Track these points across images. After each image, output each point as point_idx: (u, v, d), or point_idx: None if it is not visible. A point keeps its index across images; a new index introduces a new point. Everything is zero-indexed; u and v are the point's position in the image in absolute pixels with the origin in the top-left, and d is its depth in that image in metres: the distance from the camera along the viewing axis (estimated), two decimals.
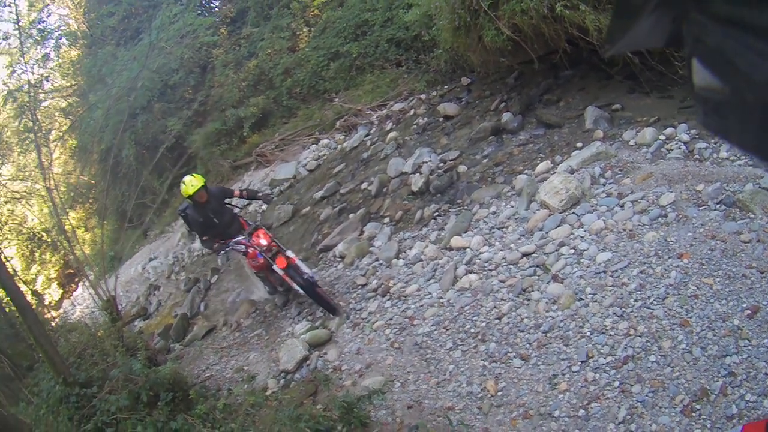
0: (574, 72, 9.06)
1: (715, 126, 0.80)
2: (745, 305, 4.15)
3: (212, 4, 21.58)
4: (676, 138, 6.62)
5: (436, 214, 7.90)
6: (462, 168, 8.59)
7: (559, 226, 6.09)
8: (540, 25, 7.68)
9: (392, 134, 11.11)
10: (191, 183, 7.52)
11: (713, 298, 4.32)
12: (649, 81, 7.67)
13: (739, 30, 0.67)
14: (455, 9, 8.57)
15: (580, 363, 4.40)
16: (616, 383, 4.09)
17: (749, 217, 4.99)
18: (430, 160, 9.19)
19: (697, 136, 6.53)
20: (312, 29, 16.57)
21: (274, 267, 7.44)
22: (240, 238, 7.75)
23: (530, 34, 8.00)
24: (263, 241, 7.64)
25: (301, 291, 7.32)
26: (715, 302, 4.29)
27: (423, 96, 12.02)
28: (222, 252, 8.17)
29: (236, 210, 8.69)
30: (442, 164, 8.99)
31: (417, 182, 8.70)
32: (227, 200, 8.25)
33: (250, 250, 7.76)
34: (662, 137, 6.72)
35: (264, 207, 8.86)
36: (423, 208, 8.22)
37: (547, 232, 6.09)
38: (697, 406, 3.63)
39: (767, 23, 0.64)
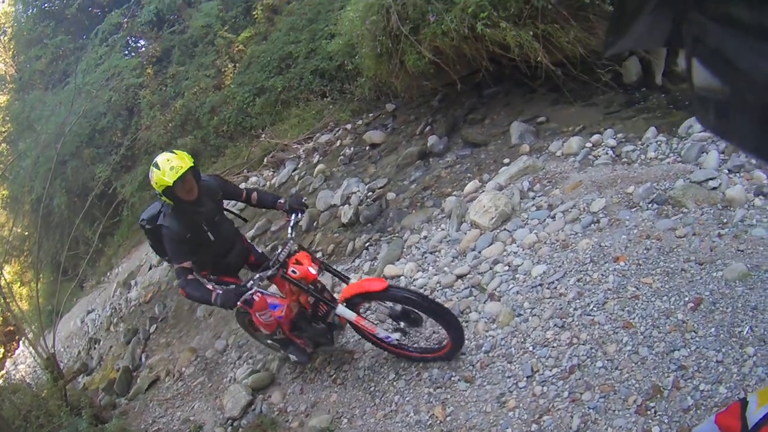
0: (497, 89, 9.16)
1: (715, 126, 0.80)
2: (687, 299, 4.17)
3: (138, 44, 21.32)
4: (602, 144, 6.71)
5: (368, 244, 7.76)
6: (391, 195, 8.50)
7: (491, 244, 6.02)
8: (461, 45, 7.69)
9: (320, 167, 10.99)
10: (170, 164, 4.43)
11: (654, 297, 4.32)
12: (573, 91, 7.81)
13: (739, 30, 0.67)
14: (376, 36, 8.58)
15: (525, 378, 4.31)
16: (566, 393, 4.02)
17: (683, 212, 5.08)
18: (359, 190, 9.08)
19: (623, 140, 6.66)
20: (237, 65, 16.53)
21: (341, 312, 4.86)
22: (267, 272, 4.80)
23: (452, 55, 8.03)
24: (312, 269, 4.84)
25: (392, 338, 4.89)
26: (656, 300, 4.29)
27: (348, 126, 11.98)
28: (239, 300, 4.60)
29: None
30: (370, 193, 8.90)
31: (347, 213, 8.54)
32: (227, 203, 5.32)
33: (257, 297, 5.12)
34: (589, 145, 6.80)
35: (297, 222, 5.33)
36: (354, 239, 8.06)
37: (480, 252, 6.01)
38: (652, 404, 3.59)
39: (767, 23, 0.64)
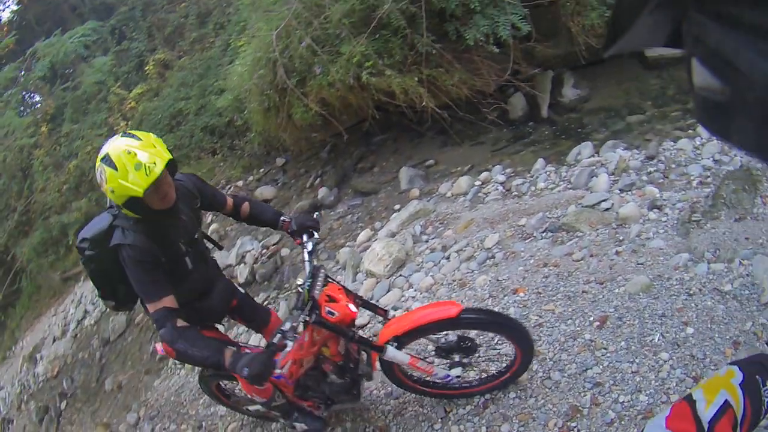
0: (385, 136, 9.34)
1: (714, 126, 0.81)
2: (592, 318, 4.21)
3: (34, 99, 20.65)
4: (492, 180, 6.90)
5: (266, 302, 7.60)
6: (285, 251, 8.46)
7: (388, 291, 5.97)
8: (347, 95, 7.78)
9: (213, 226, 10.77)
10: (136, 160, 2.74)
11: (558, 322, 4.34)
12: (460, 132, 8.03)
13: (739, 30, 0.67)
14: (264, 90, 8.57)
15: (440, 420, 4.19)
16: (483, 429, 3.92)
17: (577, 236, 5.18)
18: (253, 248, 9.01)
19: (512, 174, 6.85)
20: (129, 123, 16.08)
21: (392, 356, 3.51)
22: (300, 317, 3.09)
23: (338, 106, 8.11)
24: (352, 307, 3.41)
25: (452, 376, 3.83)
26: (561, 325, 4.30)
27: (240, 183, 11.82)
28: (275, 366, 2.94)
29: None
30: (265, 251, 8.83)
31: (243, 273, 8.46)
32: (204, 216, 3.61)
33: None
34: (478, 183, 6.98)
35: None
36: (253, 298, 7.84)
37: (377, 300, 5.92)
38: (573, 424, 3.56)
39: (767, 23, 0.64)
